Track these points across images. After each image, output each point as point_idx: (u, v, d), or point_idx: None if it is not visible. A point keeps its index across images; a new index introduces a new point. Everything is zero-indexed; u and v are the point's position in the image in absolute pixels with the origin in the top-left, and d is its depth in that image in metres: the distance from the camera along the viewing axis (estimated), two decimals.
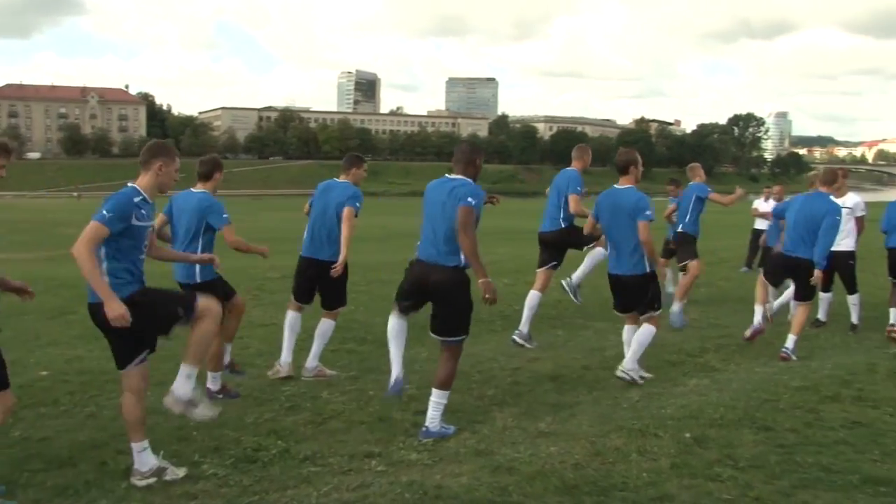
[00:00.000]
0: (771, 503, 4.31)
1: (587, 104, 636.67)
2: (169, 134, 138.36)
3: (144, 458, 4.65)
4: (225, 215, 6.46)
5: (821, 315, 9.68)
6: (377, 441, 5.31)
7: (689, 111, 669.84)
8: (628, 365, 6.89)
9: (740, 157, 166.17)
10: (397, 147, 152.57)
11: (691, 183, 10.46)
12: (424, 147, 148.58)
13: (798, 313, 8.12)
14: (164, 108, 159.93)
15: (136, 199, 4.63)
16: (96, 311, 4.47)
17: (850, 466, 4.86)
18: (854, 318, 9.48)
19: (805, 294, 8.09)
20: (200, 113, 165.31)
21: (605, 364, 7.53)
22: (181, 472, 4.67)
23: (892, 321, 9.05)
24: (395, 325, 6.01)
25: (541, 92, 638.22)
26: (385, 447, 5.20)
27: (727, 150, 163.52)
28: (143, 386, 4.77)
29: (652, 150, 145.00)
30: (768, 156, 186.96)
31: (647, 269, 6.87)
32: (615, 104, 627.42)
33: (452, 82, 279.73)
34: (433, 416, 5.51)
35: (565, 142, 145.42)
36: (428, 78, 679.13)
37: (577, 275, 8.89)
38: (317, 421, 5.77)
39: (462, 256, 5.46)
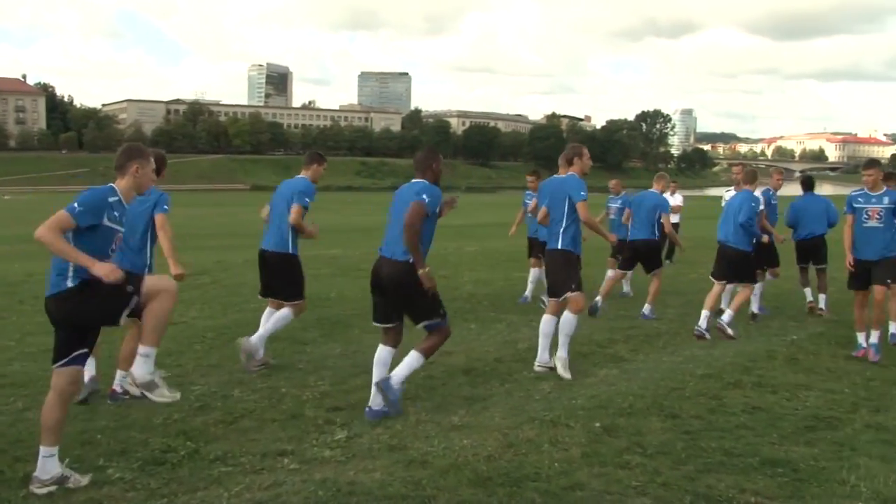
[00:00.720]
0: (677, 488, 4.44)
1: (499, 99, 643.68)
2: (71, 127, 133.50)
3: (48, 466, 4.48)
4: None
5: (723, 304, 10.01)
6: (290, 439, 5.25)
7: (599, 107, 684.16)
8: (560, 353, 7.01)
9: (648, 153, 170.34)
10: (310, 141, 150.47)
11: (651, 191, 10.53)
12: (337, 142, 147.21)
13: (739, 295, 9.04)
14: (66, 99, 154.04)
15: (111, 199, 4.52)
16: (52, 304, 4.49)
17: (751, 450, 5.05)
18: (754, 308, 9.87)
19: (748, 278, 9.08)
20: (104, 105, 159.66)
21: (517, 357, 7.63)
22: (85, 480, 4.52)
23: (809, 298, 10.40)
24: (380, 354, 6.01)
25: (453, 87, 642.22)
26: (298, 445, 5.14)
27: (635, 146, 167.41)
28: (70, 390, 4.63)
29: (563, 146, 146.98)
30: (675, 151, 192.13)
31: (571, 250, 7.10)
32: (527, 100, 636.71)
33: (365, 76, 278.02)
34: (400, 374, 5.79)
35: (478, 136, 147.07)
36: (340, 72, 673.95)
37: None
38: (227, 420, 5.66)
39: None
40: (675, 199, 16.60)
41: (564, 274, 7.07)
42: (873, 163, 8.51)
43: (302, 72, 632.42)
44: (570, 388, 6.53)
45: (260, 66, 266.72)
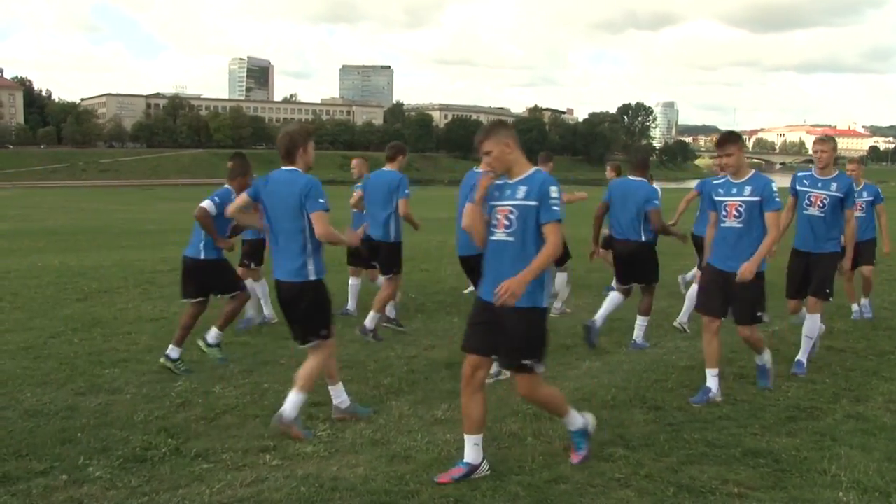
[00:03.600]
0: (660, 480, 4.45)
1: (480, 92, 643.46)
2: (49, 121, 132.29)
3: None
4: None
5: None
6: (272, 435, 5.21)
7: (580, 100, 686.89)
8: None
9: (630, 145, 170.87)
10: None
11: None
12: (320, 135, 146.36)
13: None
14: (44, 93, 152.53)
15: None
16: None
17: (733, 441, 5.08)
18: None
19: None
20: (83, 99, 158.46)
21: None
22: None
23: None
24: None
25: (435, 80, 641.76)
26: (280, 441, 5.11)
27: (618, 139, 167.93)
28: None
29: (546, 139, 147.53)
30: (657, 143, 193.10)
31: None
32: (508, 92, 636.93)
33: (346, 70, 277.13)
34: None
35: (460, 130, 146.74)
36: (321, 65, 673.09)
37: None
38: (209, 417, 5.63)
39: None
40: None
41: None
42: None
43: (282, 65, 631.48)
44: (552, 382, 6.51)
45: (241, 59, 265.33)
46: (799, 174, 7.32)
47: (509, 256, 4.42)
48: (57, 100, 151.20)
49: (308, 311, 5.36)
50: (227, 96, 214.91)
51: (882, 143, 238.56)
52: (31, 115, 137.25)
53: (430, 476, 4.47)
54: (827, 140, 7.23)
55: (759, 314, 6.10)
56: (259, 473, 4.57)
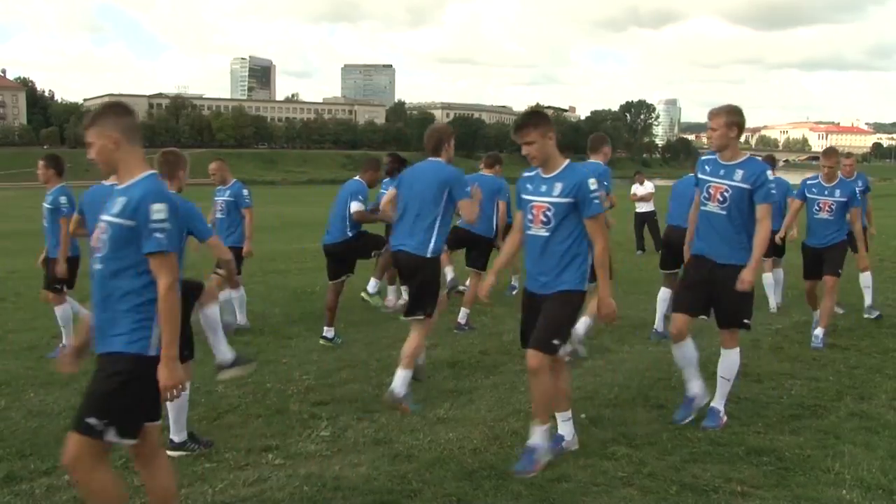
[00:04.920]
0: (663, 478, 4.44)
1: (482, 91, 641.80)
2: (52, 122, 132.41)
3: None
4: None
5: None
6: (274, 434, 5.22)
7: (582, 98, 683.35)
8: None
9: (633, 143, 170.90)
10: (294, 135, 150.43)
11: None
12: (321, 135, 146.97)
13: None
14: (46, 94, 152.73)
15: None
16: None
17: (736, 439, 5.07)
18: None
19: None
20: (86, 100, 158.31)
21: (502, 349, 7.62)
22: None
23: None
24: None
25: (436, 78, 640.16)
26: (282, 440, 5.11)
27: (620, 137, 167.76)
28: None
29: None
30: (659, 141, 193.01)
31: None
32: (510, 91, 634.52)
33: (348, 69, 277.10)
34: None
35: (463, 128, 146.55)
36: (322, 64, 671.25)
37: None
38: (211, 416, 5.63)
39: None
40: (646, 188, 16.92)
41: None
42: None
43: (284, 64, 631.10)
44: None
45: (243, 59, 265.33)
46: (808, 182, 8.09)
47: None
48: (60, 100, 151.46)
49: (421, 286, 5.84)
50: (229, 96, 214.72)
51: (886, 141, 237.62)
52: (33, 115, 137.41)
53: (433, 475, 4.46)
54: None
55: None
56: (261, 473, 4.57)
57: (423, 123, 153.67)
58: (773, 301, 9.63)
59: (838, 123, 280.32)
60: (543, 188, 4.64)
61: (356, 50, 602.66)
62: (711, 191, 5.38)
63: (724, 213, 5.32)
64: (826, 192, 7.87)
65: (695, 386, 5.53)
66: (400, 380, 5.71)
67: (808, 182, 8.09)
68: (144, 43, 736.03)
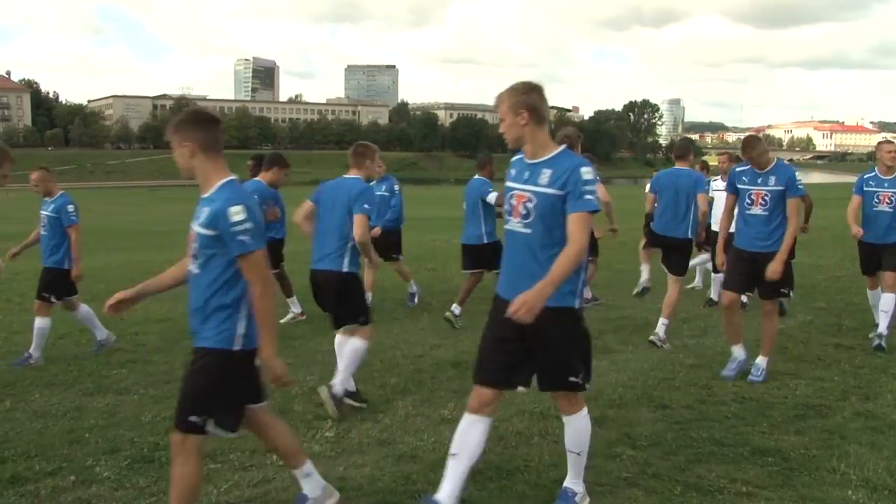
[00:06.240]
0: (668, 479, 4.44)
1: (484, 91, 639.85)
2: (57, 123, 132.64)
3: None
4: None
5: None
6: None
7: (586, 98, 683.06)
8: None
9: (636, 143, 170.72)
10: (297, 135, 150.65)
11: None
12: (325, 135, 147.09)
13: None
14: (51, 95, 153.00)
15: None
16: None
17: (741, 439, 5.06)
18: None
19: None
20: (90, 101, 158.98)
21: None
22: None
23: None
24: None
25: (439, 78, 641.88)
26: None
27: (624, 137, 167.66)
28: None
29: (553, 137, 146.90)
30: (663, 141, 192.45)
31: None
32: None
33: (352, 70, 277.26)
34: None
35: (466, 129, 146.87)
36: (325, 65, 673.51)
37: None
38: None
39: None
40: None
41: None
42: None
43: (287, 65, 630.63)
44: None
45: (246, 60, 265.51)
46: (865, 176, 7.95)
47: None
48: (64, 102, 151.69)
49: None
50: (232, 97, 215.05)
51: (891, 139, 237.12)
52: (38, 117, 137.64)
53: (438, 476, 4.46)
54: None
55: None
56: (266, 474, 4.57)
57: (427, 124, 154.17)
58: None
59: (843, 122, 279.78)
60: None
61: (359, 50, 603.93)
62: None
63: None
64: (886, 185, 7.74)
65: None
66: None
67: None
68: (147, 44, 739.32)
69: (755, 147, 6.52)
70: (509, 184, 3.99)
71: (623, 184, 78.44)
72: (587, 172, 3.76)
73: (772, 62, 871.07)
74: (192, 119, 3.54)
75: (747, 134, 7.37)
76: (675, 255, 7.95)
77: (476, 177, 8.84)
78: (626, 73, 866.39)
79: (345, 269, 5.90)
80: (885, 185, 7.75)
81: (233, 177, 3.54)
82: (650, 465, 4.64)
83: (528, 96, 3.82)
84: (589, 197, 3.74)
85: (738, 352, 6.76)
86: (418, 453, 4.82)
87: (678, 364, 6.96)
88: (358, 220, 5.86)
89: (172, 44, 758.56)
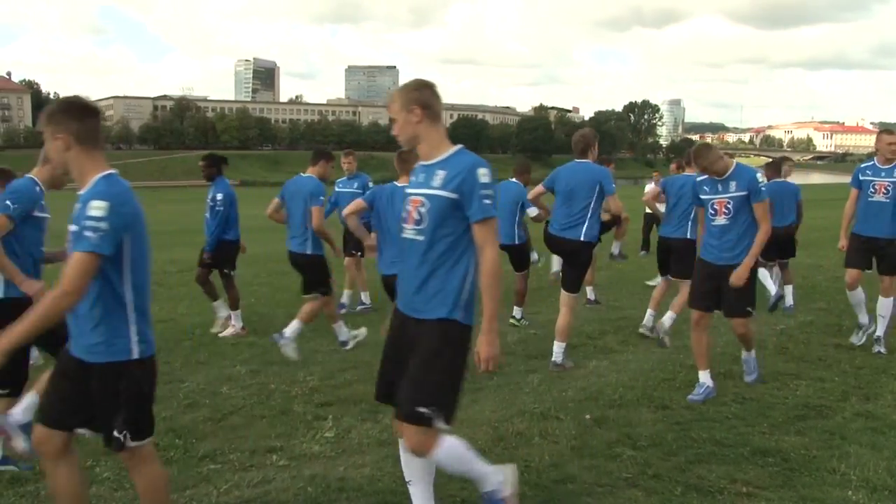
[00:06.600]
0: (668, 479, 4.43)
1: (485, 91, 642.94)
2: None
3: None
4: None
5: None
6: (278, 435, 5.22)
7: (586, 98, 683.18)
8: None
9: (637, 144, 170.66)
10: (298, 136, 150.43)
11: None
12: (325, 136, 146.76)
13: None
14: (52, 96, 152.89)
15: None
16: None
17: (741, 440, 5.05)
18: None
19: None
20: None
21: (506, 349, 7.58)
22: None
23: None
24: None
25: (440, 79, 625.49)
26: (287, 441, 5.11)
27: (624, 137, 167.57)
28: None
29: (552, 138, 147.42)
30: (663, 142, 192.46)
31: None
32: (513, 91, 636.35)
33: (352, 70, 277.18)
34: None
35: (466, 129, 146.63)
36: (326, 66, 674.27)
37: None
38: (216, 417, 5.63)
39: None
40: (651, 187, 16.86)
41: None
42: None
43: (287, 66, 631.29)
44: (559, 381, 6.52)
45: (247, 61, 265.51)
46: (862, 165, 7.63)
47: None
48: None
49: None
50: (233, 98, 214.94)
51: None
52: (39, 117, 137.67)
53: (437, 476, 4.45)
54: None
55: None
56: (266, 474, 4.57)
57: None
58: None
59: (843, 123, 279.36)
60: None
61: (359, 51, 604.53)
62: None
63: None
64: (883, 174, 7.34)
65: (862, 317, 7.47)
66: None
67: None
68: (147, 45, 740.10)
69: (705, 156, 6.01)
70: (407, 189, 3.68)
71: (623, 184, 78.24)
72: (484, 174, 3.44)
73: (772, 63, 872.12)
74: (66, 109, 3.28)
75: (698, 143, 6.79)
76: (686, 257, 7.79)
77: (513, 180, 9.06)
78: (627, 73, 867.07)
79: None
80: (882, 174, 7.37)
81: (111, 171, 3.25)
82: (650, 465, 4.63)
83: (420, 93, 3.56)
84: (487, 202, 3.41)
85: (705, 378, 6.10)
86: None
87: (678, 364, 6.95)
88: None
89: (173, 44, 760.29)
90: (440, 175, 3.48)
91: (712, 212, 6.03)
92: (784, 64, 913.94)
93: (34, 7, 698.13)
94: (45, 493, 4.33)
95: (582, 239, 6.82)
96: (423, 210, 3.50)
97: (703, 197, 6.12)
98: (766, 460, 4.71)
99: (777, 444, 4.96)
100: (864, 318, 7.70)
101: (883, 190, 7.31)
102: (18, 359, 4.27)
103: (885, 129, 7.72)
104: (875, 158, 7.54)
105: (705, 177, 6.09)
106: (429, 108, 3.55)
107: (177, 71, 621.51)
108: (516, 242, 8.88)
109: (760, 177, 5.98)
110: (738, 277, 5.86)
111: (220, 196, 8.20)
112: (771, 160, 9.80)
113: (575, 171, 6.93)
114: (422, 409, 3.40)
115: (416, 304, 3.55)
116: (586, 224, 6.79)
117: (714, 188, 6.02)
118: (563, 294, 7.03)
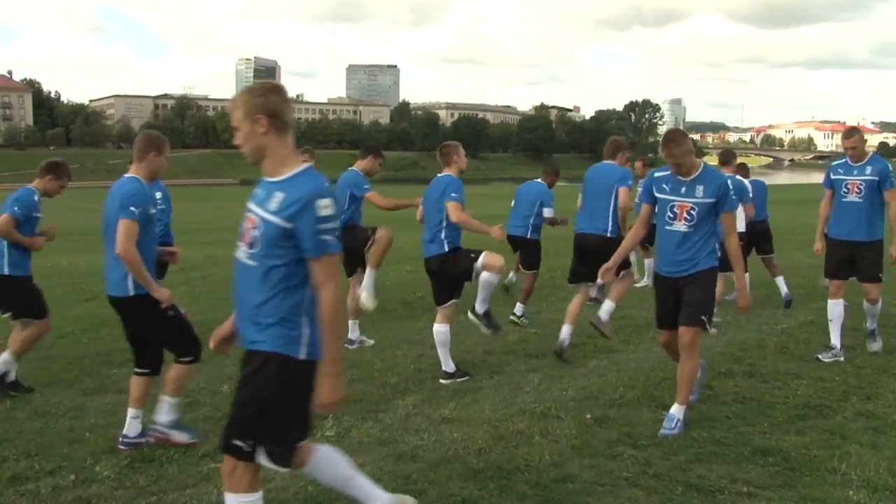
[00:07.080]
0: (669, 479, 4.43)
1: (486, 91, 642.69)
2: (58, 123, 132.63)
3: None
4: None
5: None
6: None
7: (586, 97, 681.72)
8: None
9: (637, 143, 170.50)
10: (299, 135, 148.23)
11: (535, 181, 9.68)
12: (326, 135, 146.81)
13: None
14: (52, 95, 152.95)
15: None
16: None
17: (742, 439, 5.05)
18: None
19: None
20: (91, 101, 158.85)
21: (506, 349, 7.62)
22: None
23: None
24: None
25: (440, 78, 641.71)
26: None
27: (625, 136, 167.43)
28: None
29: (552, 137, 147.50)
30: None
31: None
32: (514, 90, 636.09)
33: (353, 69, 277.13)
34: None
35: (467, 128, 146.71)
36: (326, 65, 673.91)
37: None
38: (216, 416, 5.62)
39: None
40: None
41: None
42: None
43: (288, 65, 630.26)
44: (559, 380, 6.52)
45: (247, 59, 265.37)
46: (834, 163, 7.33)
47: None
48: (65, 101, 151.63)
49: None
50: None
51: (892, 139, 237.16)
52: (40, 116, 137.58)
53: (438, 475, 4.46)
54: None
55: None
56: (266, 473, 4.52)
57: (428, 123, 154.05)
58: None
59: (844, 122, 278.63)
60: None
61: (360, 50, 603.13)
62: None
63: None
64: (855, 172, 6.98)
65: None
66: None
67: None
68: (148, 44, 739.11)
69: (678, 143, 5.19)
70: (248, 202, 3.28)
71: None
72: (325, 206, 3.05)
73: (773, 62, 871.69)
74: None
75: (669, 128, 5.84)
76: None
77: (539, 181, 9.42)
78: (628, 72, 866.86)
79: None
80: (854, 172, 6.96)
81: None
82: (651, 464, 4.63)
83: (266, 99, 3.18)
84: (327, 237, 3.06)
85: (677, 411, 5.28)
86: (419, 453, 4.82)
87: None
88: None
89: (174, 43, 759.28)
90: (277, 198, 3.11)
91: (670, 215, 5.26)
92: (785, 63, 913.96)
93: (35, 6, 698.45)
94: (45, 491, 4.34)
95: (608, 235, 7.23)
96: (256, 234, 3.16)
97: (659, 196, 5.35)
98: (766, 460, 4.71)
99: (777, 444, 4.96)
100: (836, 340, 7.14)
101: (856, 189, 6.95)
102: (158, 345, 5.23)
103: (846, 130, 7.44)
104: (847, 156, 7.19)
105: (666, 173, 5.32)
106: (276, 116, 3.17)
107: (177, 70, 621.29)
108: (528, 237, 9.07)
109: (799, 175, 5.59)
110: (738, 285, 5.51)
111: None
112: (723, 158, 9.86)
113: (599, 170, 7.63)
114: (237, 443, 3.19)
115: (248, 334, 3.25)
116: (609, 220, 7.28)
117: (676, 189, 5.26)
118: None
